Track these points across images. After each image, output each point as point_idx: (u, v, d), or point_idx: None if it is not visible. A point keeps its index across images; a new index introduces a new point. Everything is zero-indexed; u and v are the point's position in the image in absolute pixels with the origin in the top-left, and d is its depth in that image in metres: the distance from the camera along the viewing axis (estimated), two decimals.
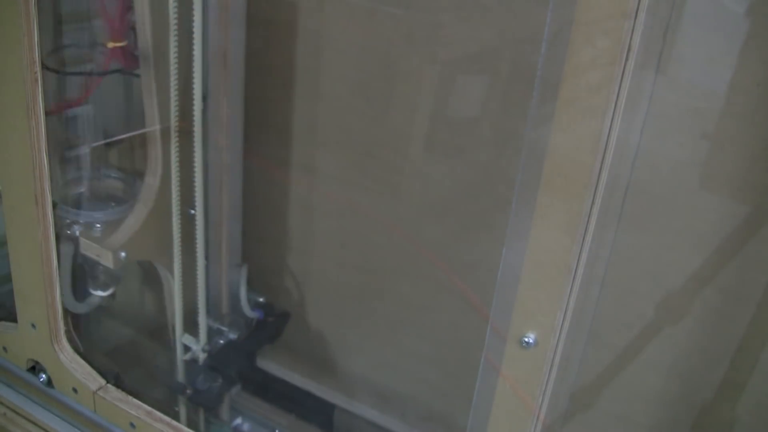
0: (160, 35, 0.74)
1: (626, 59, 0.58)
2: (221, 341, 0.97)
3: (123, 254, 0.85)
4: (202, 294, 0.90)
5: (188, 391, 0.96)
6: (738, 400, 0.75)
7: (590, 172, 0.61)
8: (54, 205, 0.85)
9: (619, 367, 0.80)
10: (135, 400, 0.95)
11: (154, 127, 0.80)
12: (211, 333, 0.96)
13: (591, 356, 0.80)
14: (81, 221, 0.88)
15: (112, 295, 0.98)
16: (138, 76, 0.80)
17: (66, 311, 0.95)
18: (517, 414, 0.73)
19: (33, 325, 0.97)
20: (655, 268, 0.74)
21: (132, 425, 0.95)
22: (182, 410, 1.02)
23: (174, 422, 0.94)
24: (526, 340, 0.69)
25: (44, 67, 0.80)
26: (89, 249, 0.86)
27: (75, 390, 0.98)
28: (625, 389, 0.80)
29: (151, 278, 0.95)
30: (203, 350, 0.95)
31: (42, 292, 0.93)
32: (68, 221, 0.88)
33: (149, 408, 0.95)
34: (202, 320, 0.93)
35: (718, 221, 0.69)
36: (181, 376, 0.98)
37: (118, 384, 0.96)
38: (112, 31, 0.77)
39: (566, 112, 0.60)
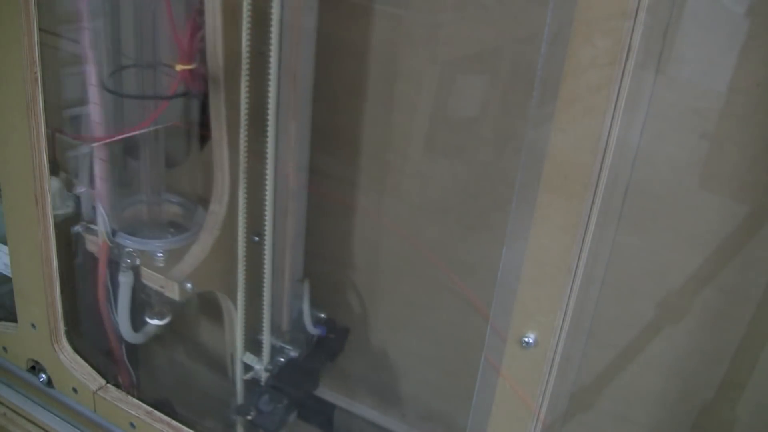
0: (231, 57, 0.71)
1: (626, 59, 0.58)
2: (282, 359, 0.92)
3: (189, 286, 0.80)
4: (267, 315, 0.86)
5: (252, 413, 0.90)
6: (738, 400, 0.75)
7: (590, 172, 0.61)
8: (113, 233, 0.83)
9: (619, 367, 0.80)
10: (135, 400, 0.95)
11: (221, 151, 0.76)
12: (272, 351, 0.92)
13: (591, 356, 0.80)
14: (141, 249, 0.83)
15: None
16: (197, 98, 0.77)
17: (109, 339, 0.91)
18: (517, 414, 0.73)
19: (33, 325, 0.97)
20: (655, 268, 0.74)
21: (132, 425, 0.95)
22: None
23: (174, 422, 0.94)
24: (526, 340, 0.69)
25: (105, 89, 0.78)
26: (152, 280, 0.82)
27: (75, 390, 0.98)
28: (625, 389, 0.80)
29: (203, 300, 0.91)
30: (266, 370, 0.90)
31: (42, 292, 0.93)
32: (127, 249, 0.83)
33: (149, 408, 0.95)
34: (266, 339, 0.88)
35: (718, 221, 0.69)
36: (241, 397, 0.94)
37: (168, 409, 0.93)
38: (180, 53, 0.72)
39: (566, 112, 0.60)
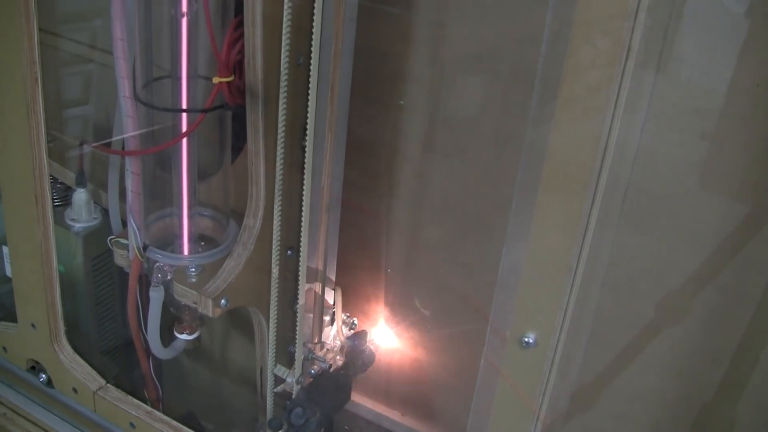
0: (269, 69, 0.70)
1: (626, 59, 0.58)
2: (313, 371, 0.89)
3: (224, 302, 0.77)
4: (300, 327, 0.84)
5: (285, 427, 0.86)
6: (738, 400, 0.75)
7: (590, 172, 0.62)
8: (145, 248, 0.81)
9: (619, 367, 0.80)
10: (135, 400, 0.95)
11: (257, 165, 0.74)
12: (304, 363, 0.89)
13: (591, 356, 0.80)
14: (174, 264, 0.81)
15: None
16: (233, 110, 0.75)
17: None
18: (517, 414, 0.73)
19: (33, 325, 0.97)
20: (655, 268, 0.74)
21: (132, 425, 0.95)
22: None
23: (174, 422, 0.94)
24: (526, 340, 0.69)
25: (138, 100, 0.76)
26: (185, 296, 0.79)
27: (75, 390, 0.98)
28: (625, 389, 0.80)
29: (230, 313, 0.86)
30: (297, 382, 0.87)
31: (42, 292, 0.93)
32: (158, 264, 0.81)
33: (149, 408, 0.95)
34: (299, 351, 0.86)
35: (718, 221, 0.69)
36: (271, 411, 0.90)
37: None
38: (219, 65, 0.71)
39: (566, 112, 0.60)
